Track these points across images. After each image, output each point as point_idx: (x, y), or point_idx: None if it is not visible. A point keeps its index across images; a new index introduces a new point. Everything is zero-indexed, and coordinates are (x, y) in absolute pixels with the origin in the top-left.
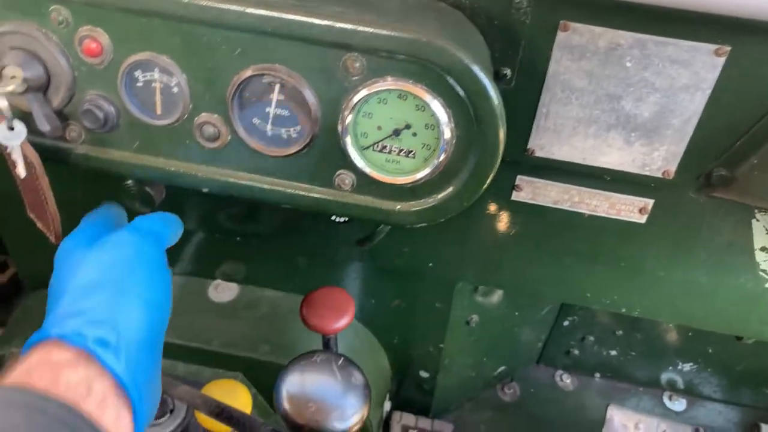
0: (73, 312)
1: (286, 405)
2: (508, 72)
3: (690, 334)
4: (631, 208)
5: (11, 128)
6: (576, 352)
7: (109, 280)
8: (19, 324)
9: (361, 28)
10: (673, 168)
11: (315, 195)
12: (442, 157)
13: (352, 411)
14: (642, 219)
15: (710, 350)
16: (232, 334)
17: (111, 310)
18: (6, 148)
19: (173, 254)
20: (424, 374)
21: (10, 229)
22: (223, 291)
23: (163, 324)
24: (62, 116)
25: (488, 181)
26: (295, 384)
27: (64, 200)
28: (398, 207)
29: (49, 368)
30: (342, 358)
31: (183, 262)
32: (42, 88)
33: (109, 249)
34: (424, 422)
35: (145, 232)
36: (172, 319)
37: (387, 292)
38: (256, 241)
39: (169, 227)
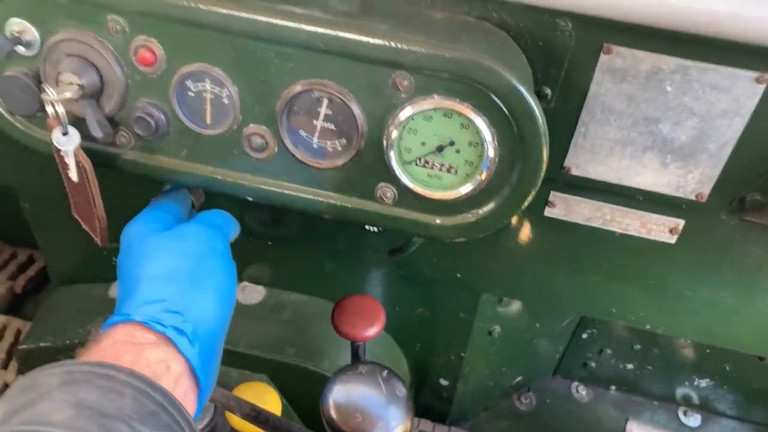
0: (153, 300)
1: (333, 414)
2: (548, 91)
3: (708, 350)
4: (661, 228)
5: (66, 133)
6: (593, 364)
7: (186, 270)
8: (46, 319)
9: (412, 48)
10: (706, 191)
11: (357, 207)
12: (484, 174)
13: (395, 422)
14: (672, 239)
15: (727, 367)
16: (258, 336)
17: (187, 300)
18: (60, 152)
19: None
20: (443, 382)
21: (41, 225)
22: (250, 293)
23: (230, 312)
24: (113, 122)
25: (529, 198)
26: (342, 394)
27: (106, 201)
28: (438, 221)
29: (132, 346)
30: (386, 371)
31: None
32: (96, 94)
33: (185, 240)
34: (441, 429)
35: (215, 226)
36: None
37: (411, 299)
38: (284, 245)
39: (230, 225)
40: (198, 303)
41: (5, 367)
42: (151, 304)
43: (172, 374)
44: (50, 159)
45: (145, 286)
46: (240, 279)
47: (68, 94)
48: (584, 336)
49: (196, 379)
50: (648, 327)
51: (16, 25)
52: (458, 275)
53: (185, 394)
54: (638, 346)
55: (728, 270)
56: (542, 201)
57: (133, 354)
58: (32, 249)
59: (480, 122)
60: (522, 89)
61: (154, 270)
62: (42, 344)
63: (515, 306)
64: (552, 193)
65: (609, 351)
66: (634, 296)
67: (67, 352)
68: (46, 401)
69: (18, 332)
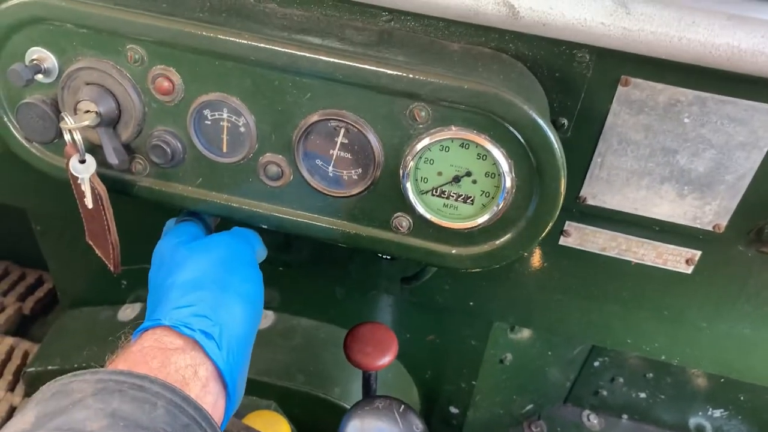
0: (181, 304)
1: None
2: (565, 122)
3: (722, 380)
4: (678, 259)
5: (82, 161)
6: (604, 392)
7: (214, 276)
8: (54, 342)
9: (430, 80)
10: (724, 222)
11: (372, 236)
12: (501, 205)
13: None
14: (688, 269)
15: (742, 397)
16: (267, 362)
17: (215, 305)
18: (77, 179)
19: None
20: (453, 410)
21: (52, 248)
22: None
23: (258, 320)
24: (129, 149)
25: (547, 229)
26: (358, 428)
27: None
28: (454, 251)
29: (161, 351)
30: (403, 405)
31: None
32: (113, 122)
33: (214, 248)
34: None
35: (241, 237)
36: None
37: (423, 326)
38: (294, 270)
39: (259, 241)
40: (226, 308)
41: (12, 389)
42: (180, 309)
43: (200, 379)
44: (64, 183)
45: (174, 293)
46: None
47: (86, 122)
48: (596, 364)
49: (224, 383)
50: (663, 358)
51: (36, 53)
52: (471, 303)
53: (215, 401)
54: (651, 375)
55: (745, 301)
56: (557, 230)
57: (161, 359)
58: (42, 270)
59: (497, 153)
60: (540, 121)
61: (183, 277)
62: (50, 367)
63: (527, 334)
64: (567, 222)
65: (621, 379)
66: (649, 327)
67: None
68: (81, 409)
69: (26, 354)
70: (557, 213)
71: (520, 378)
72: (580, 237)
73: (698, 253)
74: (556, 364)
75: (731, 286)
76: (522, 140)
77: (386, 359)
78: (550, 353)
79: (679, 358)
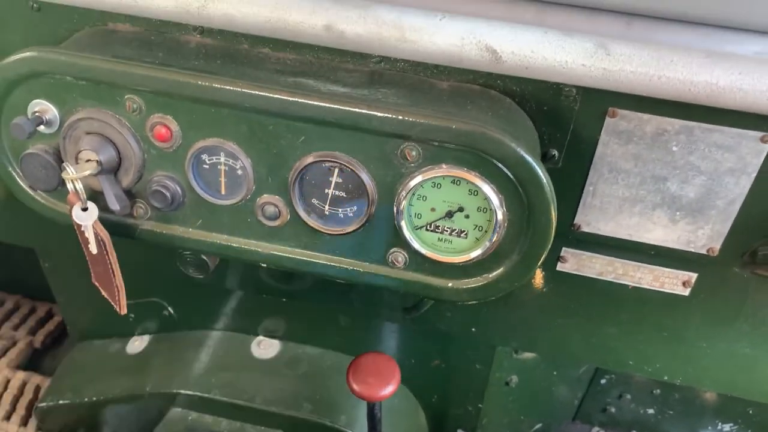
0: None
1: None
2: (556, 153)
3: (731, 394)
4: (674, 281)
5: (85, 209)
6: (613, 409)
7: None
8: (65, 377)
9: (419, 120)
10: (717, 246)
11: (369, 271)
12: (494, 238)
13: None
14: (685, 292)
15: (750, 411)
16: (274, 391)
17: None
18: (80, 226)
19: (219, 311)
20: None
21: (60, 284)
22: (266, 347)
23: None
24: (130, 195)
25: (539, 262)
26: None
27: (123, 264)
28: (450, 284)
29: None
30: None
31: (228, 319)
32: (113, 169)
33: None
34: None
35: None
36: (218, 375)
37: (427, 352)
38: (299, 300)
39: None
40: None
41: (25, 423)
42: None
43: None
44: (70, 226)
45: None
46: (255, 333)
47: (87, 172)
48: (603, 381)
49: None
50: (666, 378)
51: (38, 105)
52: (473, 329)
53: None
54: (658, 391)
55: (743, 321)
56: (554, 256)
57: None
58: (51, 303)
59: (488, 189)
60: (528, 158)
61: None
62: (61, 402)
63: (531, 355)
64: (564, 249)
65: (628, 396)
66: (650, 348)
67: (86, 409)
68: None
69: (37, 388)
70: (549, 245)
71: (527, 399)
72: (577, 263)
73: (694, 276)
74: (562, 384)
75: (729, 306)
76: (511, 176)
77: (389, 389)
78: (555, 373)
79: (681, 378)
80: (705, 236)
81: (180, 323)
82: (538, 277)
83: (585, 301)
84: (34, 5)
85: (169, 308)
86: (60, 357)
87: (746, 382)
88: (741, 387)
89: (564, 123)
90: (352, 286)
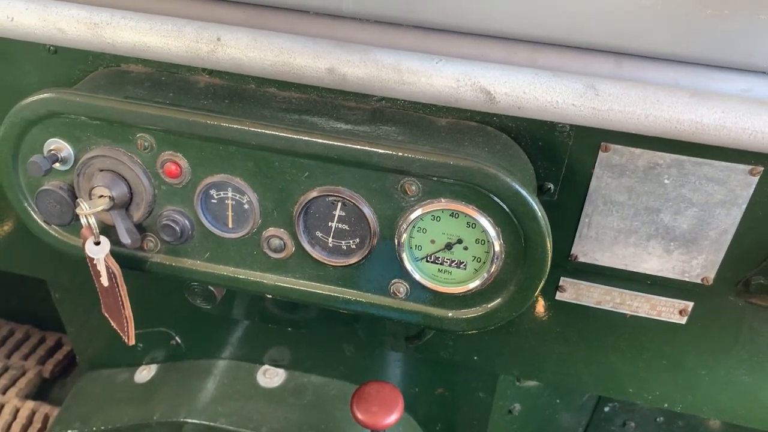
0: None
1: None
2: (551, 186)
3: (731, 422)
4: (671, 310)
5: (97, 243)
6: None
7: None
8: (74, 406)
9: (418, 157)
10: (711, 275)
11: (371, 302)
12: (492, 269)
13: None
14: (682, 320)
15: None
16: (279, 421)
17: None
18: (92, 259)
19: (226, 340)
20: None
21: (70, 314)
22: (271, 376)
23: None
24: (141, 229)
25: (536, 292)
26: None
27: (132, 294)
28: (450, 314)
29: None
30: None
31: (234, 348)
32: (125, 205)
33: None
34: None
35: None
36: (224, 404)
37: (430, 380)
38: (304, 330)
39: None
40: None
41: None
42: None
43: None
44: (81, 259)
45: None
46: (261, 362)
47: (101, 207)
48: (606, 409)
49: None
50: (666, 405)
51: (54, 144)
52: (475, 358)
53: None
54: (661, 419)
55: (741, 349)
56: (553, 286)
57: None
58: (61, 333)
59: (485, 222)
60: (522, 191)
61: None
62: (70, 431)
63: (534, 383)
64: (562, 278)
65: (632, 424)
66: (649, 376)
67: None
68: None
69: (46, 418)
70: (545, 275)
71: (531, 427)
72: (575, 292)
73: (690, 304)
74: (565, 412)
75: (726, 334)
76: (507, 209)
77: (392, 418)
78: (558, 401)
79: (681, 406)
80: (699, 266)
81: (187, 352)
82: (539, 307)
83: (585, 329)
84: (51, 48)
85: (177, 338)
86: (69, 386)
87: (746, 409)
88: (741, 414)
89: (558, 157)
90: (356, 315)
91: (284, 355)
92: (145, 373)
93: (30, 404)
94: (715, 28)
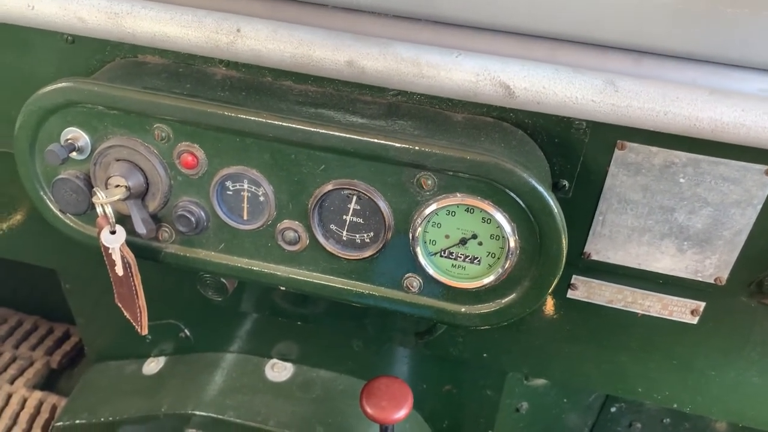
0: None
1: None
2: (566, 183)
3: (740, 424)
4: (683, 310)
5: (113, 232)
6: None
7: None
8: (81, 396)
9: (435, 151)
10: (724, 275)
11: (384, 296)
12: (506, 265)
13: None
14: (694, 320)
15: None
16: (287, 414)
17: None
18: (108, 249)
19: (234, 333)
20: None
21: (80, 305)
22: (279, 370)
23: None
24: (156, 219)
25: (550, 288)
26: None
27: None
28: (463, 309)
29: None
30: None
31: (242, 341)
32: (141, 195)
33: None
34: None
35: None
36: (232, 397)
37: (439, 377)
38: (313, 324)
39: None
40: None
41: None
42: None
43: None
44: (92, 247)
45: None
46: (269, 356)
47: (117, 197)
48: (613, 410)
49: None
50: (675, 406)
51: (71, 133)
52: (484, 355)
53: None
54: (668, 420)
55: (751, 350)
56: (565, 284)
57: None
58: (69, 324)
59: (500, 217)
60: (539, 188)
61: None
62: (77, 421)
63: (542, 382)
64: (574, 276)
65: (639, 425)
66: (659, 376)
67: (101, 429)
68: None
69: (54, 408)
70: (560, 272)
71: (537, 425)
72: (587, 290)
73: (702, 305)
74: (572, 411)
75: (737, 335)
76: (523, 205)
77: (402, 413)
78: (565, 400)
79: (690, 407)
80: (712, 266)
81: (196, 345)
82: (549, 304)
83: (595, 328)
84: (69, 38)
85: (186, 330)
86: (76, 377)
87: (755, 412)
88: (750, 416)
89: (574, 154)
90: (366, 310)
91: (292, 349)
92: (153, 365)
93: (38, 394)
94: (734, 28)
